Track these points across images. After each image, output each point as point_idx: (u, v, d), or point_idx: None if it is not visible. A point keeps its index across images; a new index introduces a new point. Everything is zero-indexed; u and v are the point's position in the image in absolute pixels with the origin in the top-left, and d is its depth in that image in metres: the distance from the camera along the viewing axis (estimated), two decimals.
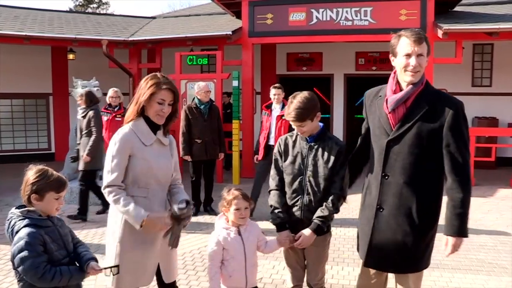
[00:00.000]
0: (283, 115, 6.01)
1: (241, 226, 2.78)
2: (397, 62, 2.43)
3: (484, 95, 10.88)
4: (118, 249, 2.53)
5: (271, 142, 6.10)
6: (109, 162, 2.50)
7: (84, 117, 6.32)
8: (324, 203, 2.72)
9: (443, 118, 2.36)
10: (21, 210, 2.25)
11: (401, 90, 2.44)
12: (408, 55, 2.36)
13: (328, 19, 8.87)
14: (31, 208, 2.25)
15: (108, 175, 2.50)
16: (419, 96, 2.42)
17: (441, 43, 8.64)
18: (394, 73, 2.50)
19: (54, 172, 2.32)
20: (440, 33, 8.15)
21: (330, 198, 2.72)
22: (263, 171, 6.15)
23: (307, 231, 2.73)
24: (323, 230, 2.76)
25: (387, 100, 2.46)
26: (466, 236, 2.37)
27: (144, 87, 2.54)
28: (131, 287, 2.59)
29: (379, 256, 2.52)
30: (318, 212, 2.72)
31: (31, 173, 2.27)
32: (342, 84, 11.69)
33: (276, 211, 2.82)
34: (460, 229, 2.35)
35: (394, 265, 2.52)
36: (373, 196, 2.54)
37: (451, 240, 2.37)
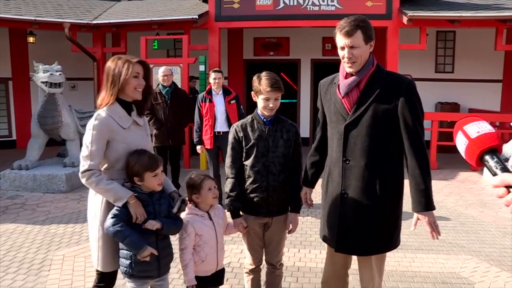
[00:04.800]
0: (230, 100, 5.98)
1: (211, 210, 2.80)
2: (339, 54, 2.48)
3: (446, 81, 11.17)
4: (100, 232, 2.57)
5: (218, 129, 5.97)
6: (87, 148, 2.48)
7: None
8: (293, 183, 2.93)
9: (397, 97, 2.40)
10: None
11: (352, 75, 2.47)
12: (342, 48, 2.42)
13: (295, 4, 8.85)
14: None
15: (87, 161, 2.47)
16: (371, 78, 2.45)
17: (407, 30, 8.79)
18: None
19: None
20: (405, 19, 8.28)
21: (296, 176, 2.95)
22: (216, 158, 6.15)
23: (293, 216, 2.97)
24: (300, 208, 2.99)
25: (339, 85, 2.51)
26: (431, 209, 2.43)
27: (118, 67, 2.54)
28: (112, 269, 2.65)
29: (348, 240, 2.55)
30: (294, 193, 2.92)
31: None
32: (309, 69, 11.75)
33: (231, 198, 2.90)
34: (427, 204, 2.40)
35: (362, 248, 2.55)
36: (336, 183, 2.55)
37: (422, 217, 2.41)
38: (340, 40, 2.41)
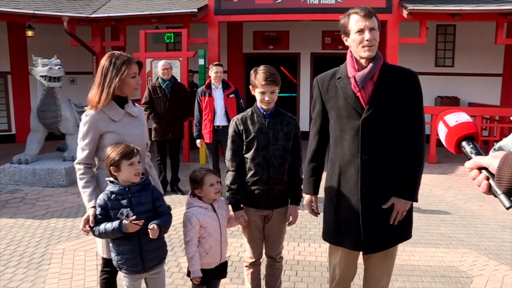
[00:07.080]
0: (229, 94, 5.98)
1: (215, 203, 2.82)
2: (351, 40, 2.36)
3: (446, 75, 11.15)
4: None
5: (217, 123, 5.97)
6: (80, 141, 2.66)
7: None
8: (293, 176, 2.96)
9: (407, 89, 2.39)
10: None
11: (362, 67, 2.39)
12: (361, 31, 2.31)
13: None
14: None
15: (79, 153, 2.66)
16: (382, 70, 2.39)
17: (406, 23, 8.76)
18: (351, 52, 2.44)
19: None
20: (405, 13, 8.25)
21: (296, 169, 2.98)
22: (215, 152, 6.16)
23: (293, 208, 2.98)
24: (301, 200, 2.98)
25: (354, 78, 2.38)
26: (414, 200, 2.43)
27: (113, 68, 2.59)
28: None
29: (374, 238, 2.45)
30: (294, 186, 2.96)
31: None
32: (308, 63, 11.72)
33: (232, 191, 2.91)
34: (410, 193, 2.39)
35: (387, 243, 2.50)
36: (353, 182, 2.42)
37: (396, 201, 2.39)
38: (359, 23, 2.31)
